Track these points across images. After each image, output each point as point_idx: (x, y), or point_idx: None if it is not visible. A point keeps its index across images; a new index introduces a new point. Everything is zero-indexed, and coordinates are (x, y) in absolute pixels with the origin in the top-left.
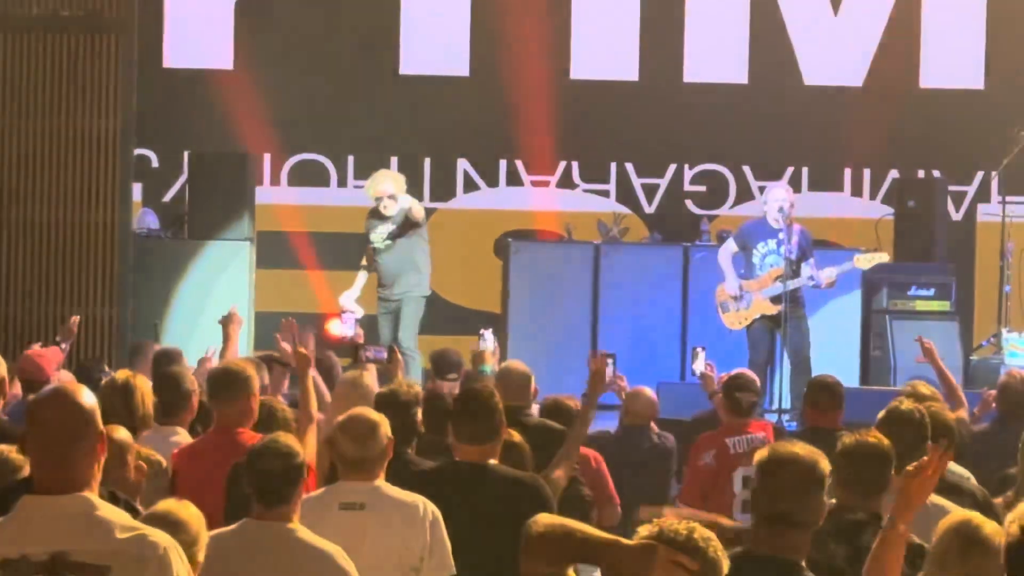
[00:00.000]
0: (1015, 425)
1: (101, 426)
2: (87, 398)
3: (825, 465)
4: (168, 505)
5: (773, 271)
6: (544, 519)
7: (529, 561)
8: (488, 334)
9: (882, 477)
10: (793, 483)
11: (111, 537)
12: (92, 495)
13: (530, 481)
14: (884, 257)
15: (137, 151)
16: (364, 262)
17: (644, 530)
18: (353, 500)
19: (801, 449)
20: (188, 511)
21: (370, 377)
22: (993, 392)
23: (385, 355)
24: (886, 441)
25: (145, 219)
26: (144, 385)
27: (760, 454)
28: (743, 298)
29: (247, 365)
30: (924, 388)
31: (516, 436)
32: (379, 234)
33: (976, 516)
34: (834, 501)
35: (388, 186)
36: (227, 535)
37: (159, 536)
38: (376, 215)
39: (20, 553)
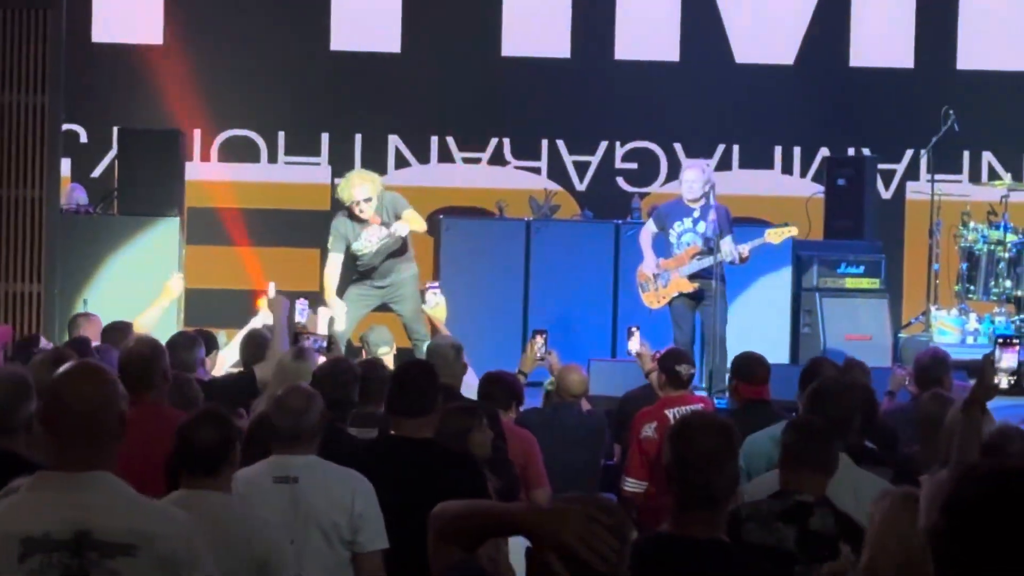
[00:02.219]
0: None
1: (123, 405)
2: (111, 375)
3: (736, 433)
4: None
5: (690, 249)
6: (448, 505)
7: (440, 550)
8: (432, 294)
9: (829, 456)
10: (708, 451)
11: (136, 515)
12: (111, 474)
13: (465, 457)
14: (794, 231)
15: (65, 126)
16: (328, 289)
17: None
18: (287, 474)
19: (712, 418)
20: None
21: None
22: (901, 371)
23: (325, 345)
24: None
25: (74, 195)
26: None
27: (673, 426)
28: (661, 276)
29: (156, 340)
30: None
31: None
32: (364, 242)
33: (914, 490)
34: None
35: (362, 190)
36: None
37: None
38: (355, 219)
39: (43, 531)
